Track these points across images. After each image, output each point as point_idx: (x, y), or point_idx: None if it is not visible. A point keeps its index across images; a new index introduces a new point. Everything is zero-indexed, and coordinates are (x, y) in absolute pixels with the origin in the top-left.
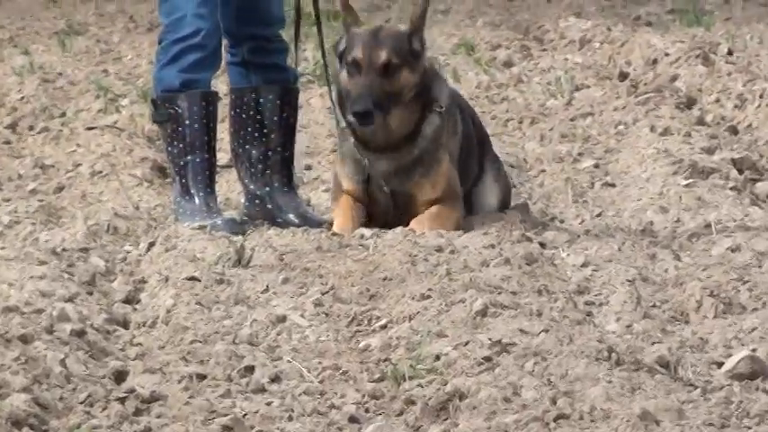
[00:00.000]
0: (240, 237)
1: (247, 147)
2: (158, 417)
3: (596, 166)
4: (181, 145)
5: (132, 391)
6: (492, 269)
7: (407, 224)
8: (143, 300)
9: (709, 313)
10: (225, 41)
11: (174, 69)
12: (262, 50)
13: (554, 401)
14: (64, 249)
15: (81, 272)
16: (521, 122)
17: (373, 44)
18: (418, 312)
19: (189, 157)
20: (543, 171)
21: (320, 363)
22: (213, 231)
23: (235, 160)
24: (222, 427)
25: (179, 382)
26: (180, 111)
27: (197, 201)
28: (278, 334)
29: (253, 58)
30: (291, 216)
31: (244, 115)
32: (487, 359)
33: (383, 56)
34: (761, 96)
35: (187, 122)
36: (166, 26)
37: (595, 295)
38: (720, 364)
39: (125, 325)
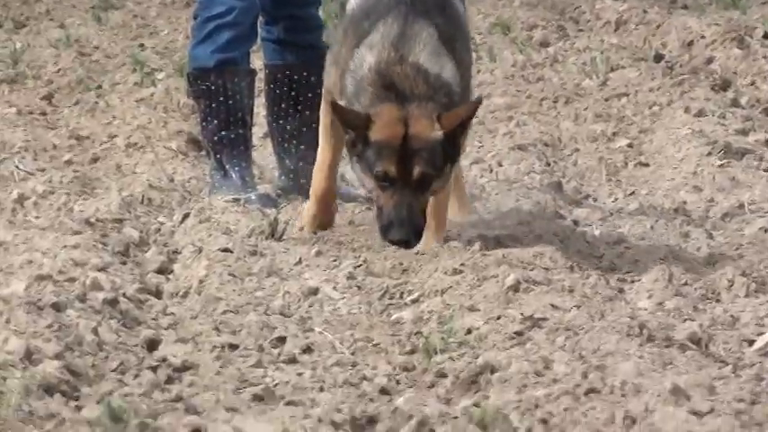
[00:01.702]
0: (273, 210)
1: (281, 122)
2: (190, 385)
3: (630, 145)
4: (215, 121)
5: (164, 359)
6: (525, 245)
7: None
8: (176, 270)
9: (740, 292)
10: (261, 18)
11: (209, 48)
12: (297, 29)
13: (585, 376)
14: (98, 220)
15: (115, 242)
16: (555, 102)
17: (407, 157)
18: (450, 287)
19: (224, 133)
20: (577, 150)
21: (352, 335)
22: (247, 205)
23: (270, 134)
24: (253, 397)
25: (211, 351)
26: (214, 88)
27: (233, 176)
28: (310, 306)
29: (288, 37)
30: None
31: (278, 91)
32: (519, 333)
33: (416, 171)
34: None
35: (221, 99)
36: (200, 3)
37: (627, 272)
38: (752, 342)
39: (158, 295)
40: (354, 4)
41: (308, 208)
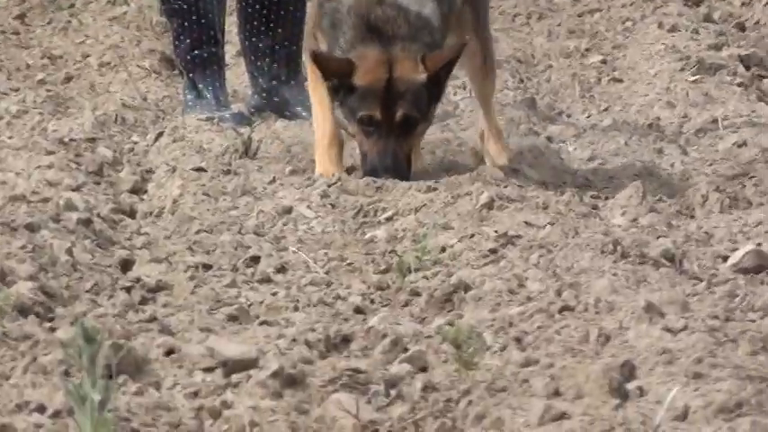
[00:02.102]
0: (247, 128)
1: (254, 39)
2: (164, 306)
3: (604, 61)
4: (188, 40)
5: (138, 280)
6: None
7: None
8: (150, 190)
9: (714, 208)
10: None
11: None
12: None
13: (559, 293)
14: (71, 139)
15: (88, 162)
16: (528, 18)
17: (391, 101)
18: (424, 205)
19: (196, 52)
20: (551, 66)
21: (326, 254)
22: (221, 124)
23: (243, 52)
24: (227, 317)
25: (185, 271)
26: (186, 6)
27: (207, 95)
28: (284, 225)
29: None
30: (299, 109)
31: (250, 9)
32: (493, 251)
33: (400, 114)
34: None
35: (193, 18)
36: None
37: (601, 189)
38: (725, 258)
39: (131, 215)
40: None
41: (317, 157)
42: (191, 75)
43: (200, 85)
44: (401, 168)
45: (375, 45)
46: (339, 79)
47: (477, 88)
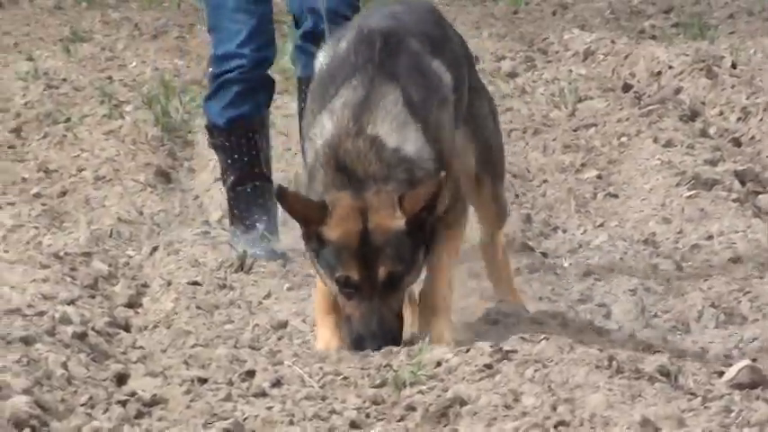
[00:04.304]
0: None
1: None
2: (159, 420)
3: (599, 176)
4: (232, 177)
5: (133, 394)
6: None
7: None
8: (145, 304)
9: (710, 323)
10: (298, 30)
11: (219, 104)
12: None
13: (554, 408)
14: (66, 253)
15: (83, 275)
16: (524, 132)
17: (369, 257)
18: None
19: (239, 189)
20: (546, 181)
21: (321, 368)
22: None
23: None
24: (223, 431)
25: (180, 385)
26: (228, 144)
27: (257, 227)
28: (279, 339)
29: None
30: None
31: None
32: (488, 366)
33: (383, 272)
34: (764, 110)
35: (236, 156)
36: (212, 56)
37: (597, 305)
38: (721, 374)
39: (127, 328)
40: (322, 62)
41: (317, 328)
42: (234, 211)
43: (247, 222)
44: (391, 334)
45: (347, 188)
46: (307, 227)
47: (488, 230)
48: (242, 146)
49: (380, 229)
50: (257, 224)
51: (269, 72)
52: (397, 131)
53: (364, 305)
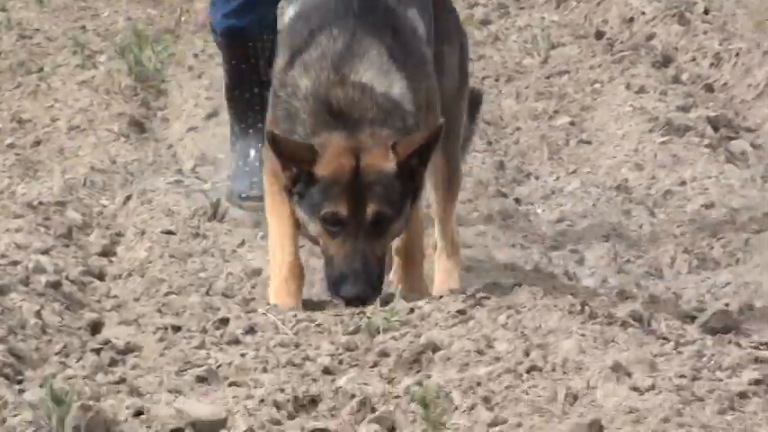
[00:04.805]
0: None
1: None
2: (133, 368)
3: (572, 123)
4: (229, 80)
5: (107, 342)
6: (468, 224)
7: None
8: (119, 252)
9: (682, 269)
10: None
11: (221, 9)
12: None
13: (527, 353)
14: (40, 203)
15: (57, 225)
16: (497, 80)
17: (358, 195)
18: (393, 267)
19: (236, 92)
20: (519, 128)
21: (295, 315)
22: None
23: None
24: (196, 378)
25: (154, 333)
26: (226, 50)
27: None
28: (252, 287)
29: None
30: None
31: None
32: (461, 312)
33: (371, 211)
34: (736, 55)
35: (233, 62)
36: None
37: (570, 251)
38: (693, 319)
39: (101, 277)
40: (292, 11)
41: (272, 289)
42: (232, 111)
43: (242, 123)
44: (373, 274)
45: (339, 130)
46: (298, 167)
47: (438, 198)
48: (238, 54)
49: (372, 167)
50: (250, 130)
51: None
52: (385, 81)
53: (349, 243)
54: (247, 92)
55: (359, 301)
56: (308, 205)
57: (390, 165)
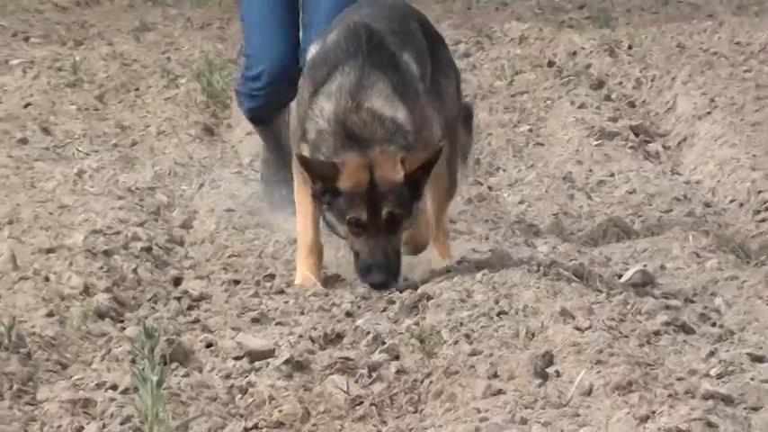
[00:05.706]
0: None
1: None
2: (205, 311)
3: (530, 130)
4: (270, 166)
5: (186, 292)
6: (452, 205)
7: None
8: (194, 225)
9: (612, 238)
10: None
11: (245, 103)
12: None
13: (497, 301)
14: (137, 188)
15: (149, 204)
16: (474, 98)
17: (375, 201)
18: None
19: (269, 173)
20: (491, 134)
21: (325, 272)
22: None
23: None
24: (251, 319)
25: (220, 285)
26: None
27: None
28: (293, 251)
29: None
30: None
31: None
32: (448, 270)
33: (386, 213)
34: (652, 80)
35: (262, 143)
36: (244, 55)
37: (529, 225)
38: (620, 276)
39: (181, 243)
40: (313, 51)
41: (298, 266)
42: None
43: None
44: (392, 264)
45: (355, 150)
46: (324, 183)
47: (438, 199)
48: (267, 135)
49: (384, 179)
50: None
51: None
52: (391, 108)
53: (371, 241)
54: (280, 159)
55: (383, 286)
56: (336, 212)
57: (399, 175)
